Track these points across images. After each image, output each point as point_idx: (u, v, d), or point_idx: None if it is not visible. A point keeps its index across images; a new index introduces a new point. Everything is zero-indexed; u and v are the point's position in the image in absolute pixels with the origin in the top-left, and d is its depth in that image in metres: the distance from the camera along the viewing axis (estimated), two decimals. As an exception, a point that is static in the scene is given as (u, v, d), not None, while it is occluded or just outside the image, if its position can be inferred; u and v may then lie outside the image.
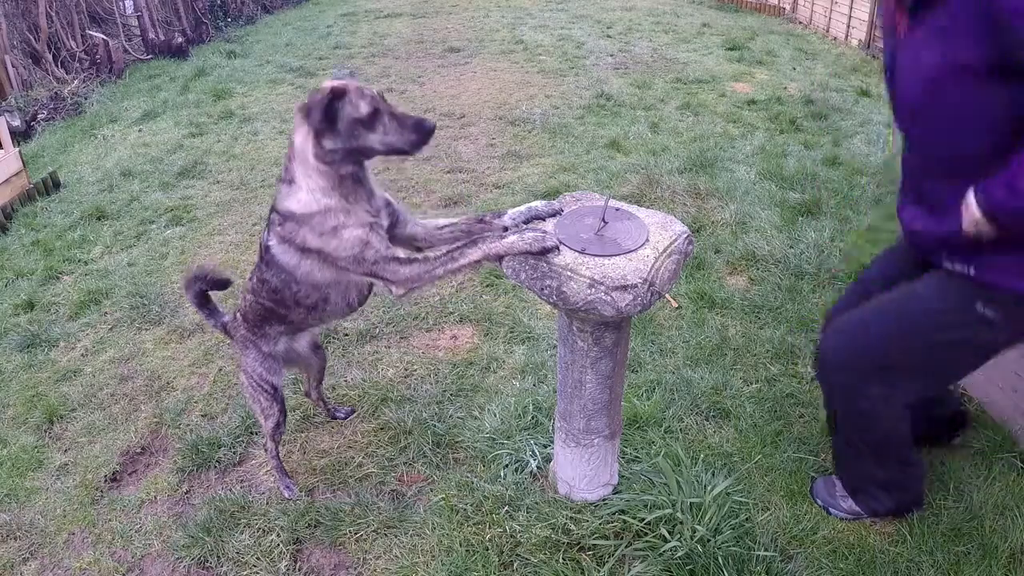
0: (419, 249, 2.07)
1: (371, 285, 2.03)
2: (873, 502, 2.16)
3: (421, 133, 1.82)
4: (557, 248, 1.74)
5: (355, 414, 2.74)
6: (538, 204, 1.95)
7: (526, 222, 1.92)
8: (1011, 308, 1.74)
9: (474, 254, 1.82)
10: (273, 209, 1.96)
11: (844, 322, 2.02)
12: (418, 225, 2.06)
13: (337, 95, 1.77)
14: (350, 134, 1.80)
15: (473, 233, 1.99)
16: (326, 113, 1.76)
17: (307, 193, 1.86)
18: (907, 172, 1.89)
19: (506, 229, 1.92)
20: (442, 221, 2.08)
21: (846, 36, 8.27)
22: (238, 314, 2.26)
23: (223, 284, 2.39)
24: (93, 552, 2.28)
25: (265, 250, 2.00)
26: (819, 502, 2.25)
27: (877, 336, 1.92)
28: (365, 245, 1.86)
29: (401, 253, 1.90)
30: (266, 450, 2.41)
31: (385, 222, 1.96)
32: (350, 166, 1.85)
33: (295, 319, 2.14)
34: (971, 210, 1.62)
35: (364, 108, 1.78)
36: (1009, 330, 1.80)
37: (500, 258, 1.80)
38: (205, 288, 2.36)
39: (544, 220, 1.92)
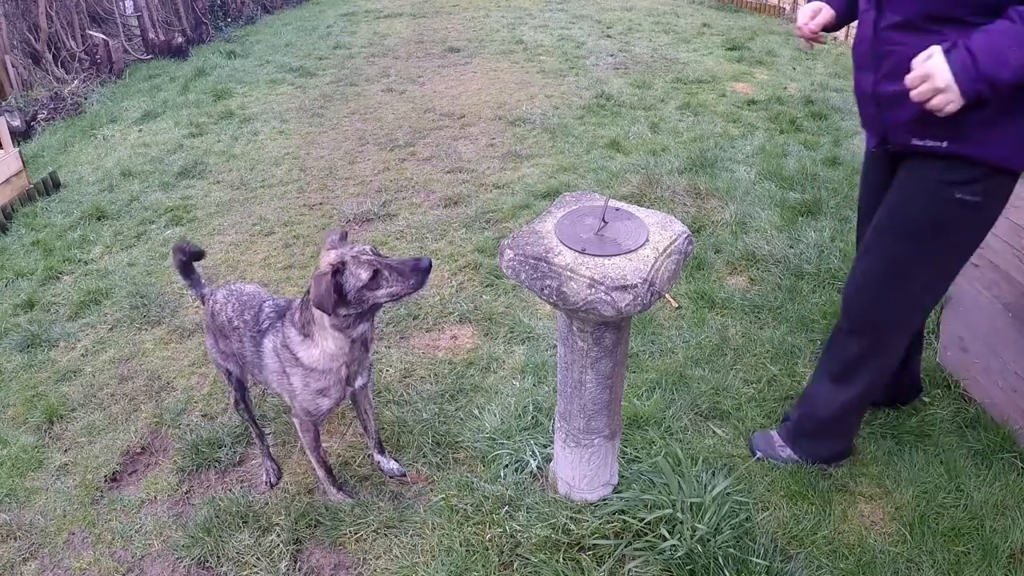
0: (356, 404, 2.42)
1: None
2: (816, 450, 2.35)
3: (419, 274, 1.99)
4: None
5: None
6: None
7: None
8: (989, 182, 1.78)
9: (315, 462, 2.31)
10: (282, 329, 2.16)
11: (851, 283, 2.12)
12: (367, 401, 2.41)
13: (337, 271, 1.93)
14: (359, 300, 1.97)
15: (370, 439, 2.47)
16: (336, 293, 1.92)
17: (320, 353, 2.09)
18: (868, 41, 1.84)
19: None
20: (370, 425, 2.44)
21: (846, 36, 8.27)
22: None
23: (199, 255, 2.61)
24: (93, 552, 2.28)
25: (254, 338, 2.23)
26: (759, 454, 2.40)
27: (879, 287, 2.03)
28: (317, 410, 2.17)
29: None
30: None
31: (359, 383, 2.24)
32: (361, 324, 2.06)
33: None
34: (936, 72, 1.54)
35: (364, 275, 1.94)
36: (995, 203, 1.85)
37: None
38: (186, 259, 2.56)
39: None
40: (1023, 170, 1.78)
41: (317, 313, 2.02)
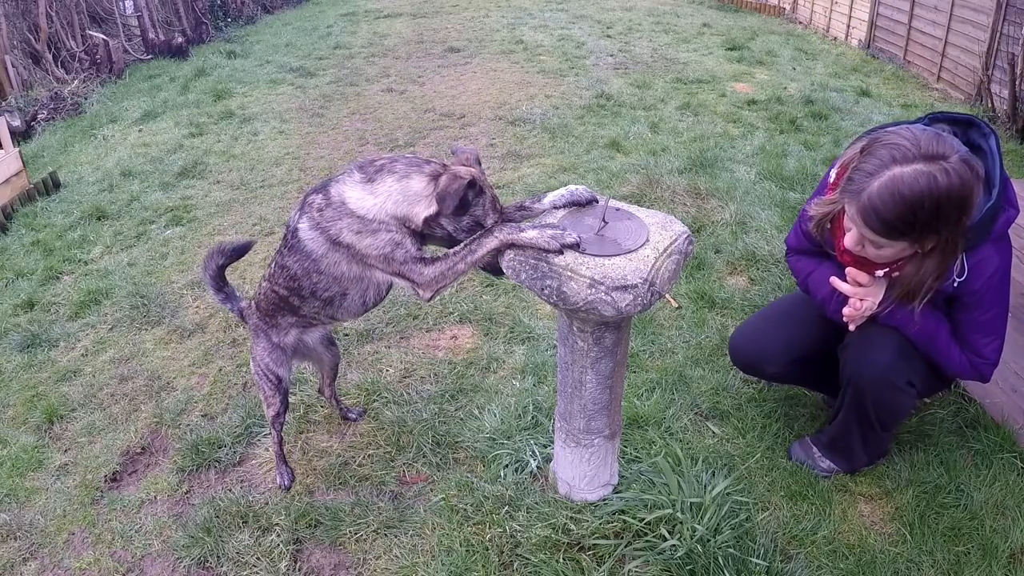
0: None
1: (389, 286, 2.01)
2: (855, 462, 2.34)
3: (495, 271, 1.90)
4: (578, 244, 1.71)
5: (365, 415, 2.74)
6: (580, 189, 1.93)
7: (566, 206, 1.92)
8: None
9: (491, 243, 1.79)
10: (320, 190, 1.90)
11: (881, 344, 2.09)
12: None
13: (472, 186, 1.79)
14: (465, 229, 1.84)
15: (512, 221, 1.97)
16: (460, 204, 1.78)
17: (376, 205, 1.84)
18: None
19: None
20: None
21: (846, 36, 8.27)
22: (252, 302, 2.28)
23: (243, 250, 2.40)
24: (93, 552, 2.28)
25: (292, 234, 1.95)
26: (797, 463, 2.39)
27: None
28: (396, 245, 1.85)
29: (426, 254, 1.89)
30: (271, 435, 2.42)
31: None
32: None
33: (307, 312, 2.11)
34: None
35: (489, 220, 1.84)
36: None
37: (519, 248, 1.77)
38: (224, 262, 2.36)
39: (584, 205, 1.91)
40: None
41: (417, 188, 1.82)
